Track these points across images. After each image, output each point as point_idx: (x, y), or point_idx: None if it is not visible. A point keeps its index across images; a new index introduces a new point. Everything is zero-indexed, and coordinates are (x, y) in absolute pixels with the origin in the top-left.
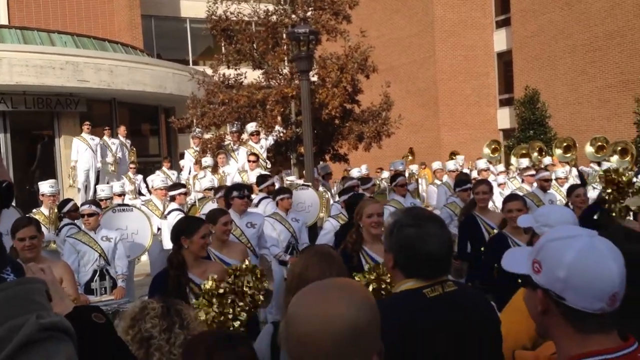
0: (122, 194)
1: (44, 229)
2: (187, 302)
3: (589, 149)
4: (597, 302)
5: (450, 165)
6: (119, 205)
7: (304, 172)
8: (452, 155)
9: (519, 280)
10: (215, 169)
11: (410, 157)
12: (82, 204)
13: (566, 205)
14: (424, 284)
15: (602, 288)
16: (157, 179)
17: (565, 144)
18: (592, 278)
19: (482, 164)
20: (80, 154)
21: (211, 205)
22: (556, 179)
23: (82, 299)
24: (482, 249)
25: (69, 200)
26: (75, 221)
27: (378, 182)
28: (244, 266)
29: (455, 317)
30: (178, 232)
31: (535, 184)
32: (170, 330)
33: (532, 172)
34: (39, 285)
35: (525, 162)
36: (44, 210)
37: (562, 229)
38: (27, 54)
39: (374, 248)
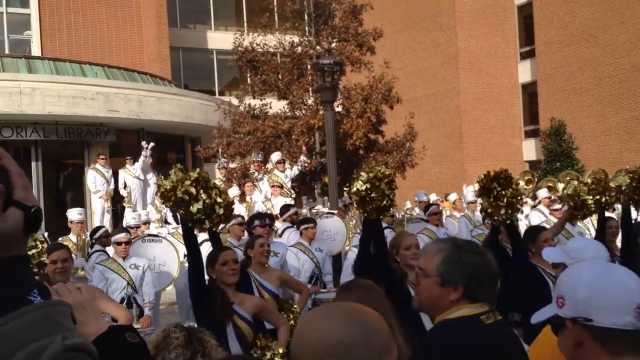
0: (146, 222)
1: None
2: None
3: None
4: (624, 316)
5: (469, 197)
6: (149, 235)
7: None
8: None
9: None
10: (242, 197)
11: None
12: (118, 232)
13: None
14: (481, 310)
15: (625, 299)
16: None
17: (597, 177)
18: (613, 291)
19: None
20: (97, 186)
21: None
22: None
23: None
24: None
25: (100, 227)
26: (106, 248)
27: (403, 213)
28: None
29: (506, 345)
30: (206, 264)
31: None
32: (192, 359)
33: (558, 205)
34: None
35: (543, 192)
36: (72, 237)
37: (575, 265)
38: (59, 85)
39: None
